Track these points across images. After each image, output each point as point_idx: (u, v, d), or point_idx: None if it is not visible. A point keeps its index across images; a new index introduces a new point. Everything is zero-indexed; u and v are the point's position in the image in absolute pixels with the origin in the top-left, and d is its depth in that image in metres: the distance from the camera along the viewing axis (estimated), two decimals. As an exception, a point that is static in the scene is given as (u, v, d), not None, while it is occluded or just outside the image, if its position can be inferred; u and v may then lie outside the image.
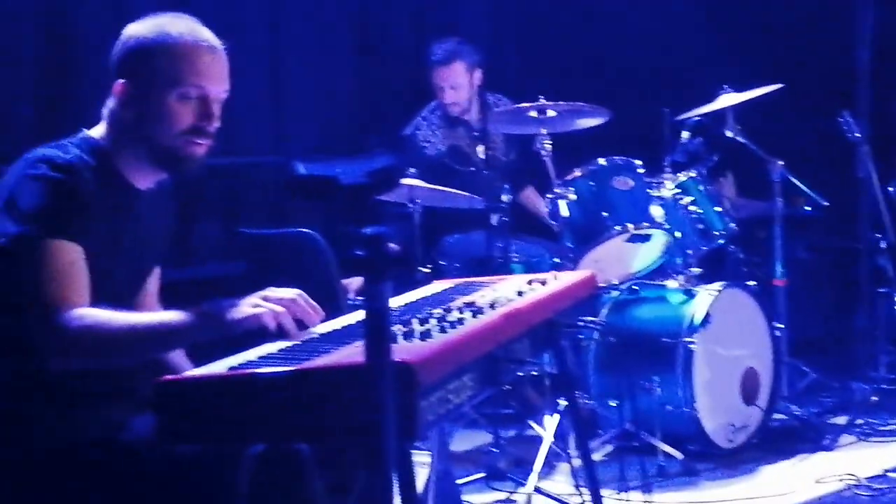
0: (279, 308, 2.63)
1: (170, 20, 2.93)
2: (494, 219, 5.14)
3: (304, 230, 4.97)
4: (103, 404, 2.81)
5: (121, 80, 2.88)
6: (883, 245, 5.73)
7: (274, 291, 2.69)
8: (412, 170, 5.48)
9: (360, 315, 2.97)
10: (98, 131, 2.95)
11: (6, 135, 5.41)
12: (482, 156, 5.22)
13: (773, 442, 5.25)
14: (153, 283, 3.21)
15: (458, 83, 5.97)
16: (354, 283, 5.43)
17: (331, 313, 2.99)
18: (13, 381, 2.77)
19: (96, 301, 2.77)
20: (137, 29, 2.93)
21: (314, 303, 2.73)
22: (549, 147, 5.21)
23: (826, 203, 5.90)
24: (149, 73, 2.88)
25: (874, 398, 5.47)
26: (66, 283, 2.69)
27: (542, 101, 5.23)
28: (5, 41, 5.45)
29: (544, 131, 5.21)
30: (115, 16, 5.70)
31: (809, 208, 6.14)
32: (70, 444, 2.75)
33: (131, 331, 2.66)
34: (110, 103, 2.93)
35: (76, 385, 2.76)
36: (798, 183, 5.78)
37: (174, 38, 2.90)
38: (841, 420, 5.41)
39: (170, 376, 2.42)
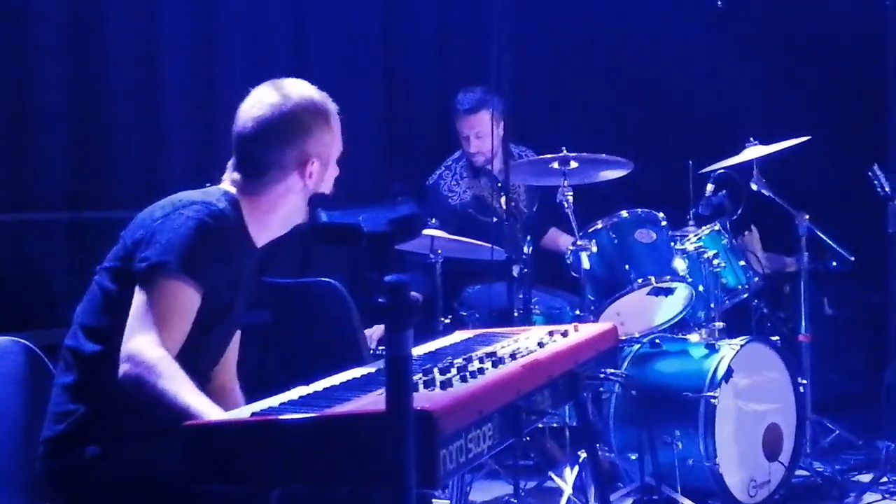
0: None
1: (296, 86, 3.15)
2: (516, 270, 5.13)
3: (327, 279, 4.97)
4: (146, 443, 2.85)
5: (313, 161, 3.09)
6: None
7: None
8: (434, 220, 5.49)
9: (380, 364, 2.98)
10: (231, 188, 3.09)
11: (39, 181, 5.46)
12: (504, 207, 5.22)
13: (796, 499, 5.21)
14: (236, 346, 3.31)
15: (484, 132, 5.92)
16: (376, 332, 5.42)
17: (352, 362, 3.01)
18: (66, 415, 2.87)
19: (199, 352, 2.94)
20: (296, 99, 3.10)
21: None
22: (571, 198, 5.19)
23: (853, 258, 5.86)
24: (327, 142, 3.13)
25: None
26: (172, 323, 2.80)
27: (565, 152, 5.22)
28: (36, 86, 5.50)
29: (566, 183, 5.20)
30: (144, 71, 5.78)
31: (836, 263, 6.10)
32: (111, 480, 2.83)
33: (176, 404, 2.69)
34: (278, 176, 3.07)
35: (122, 424, 2.84)
36: (825, 237, 5.74)
37: (327, 105, 3.15)
38: (865, 478, 5.35)
39: (196, 420, 2.48)
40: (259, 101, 3.11)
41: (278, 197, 3.10)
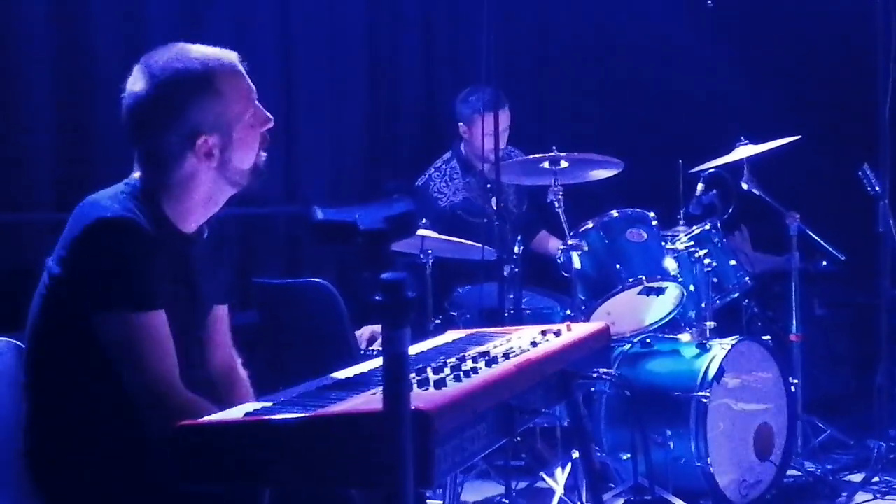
0: None
1: (165, 58, 2.85)
2: (506, 270, 5.11)
3: (317, 280, 4.95)
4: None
5: (204, 138, 2.83)
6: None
7: None
8: (424, 220, 5.47)
9: (372, 364, 2.97)
10: (140, 177, 2.91)
11: (23, 182, 5.43)
12: (494, 207, 5.20)
13: (787, 498, 5.20)
14: (224, 325, 3.19)
15: (506, 128, 5.85)
16: (366, 333, 5.40)
17: (343, 363, 2.99)
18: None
19: None
20: (162, 77, 2.82)
21: None
22: (561, 198, 5.17)
23: (843, 258, 5.85)
24: (217, 112, 2.85)
25: (892, 456, 5.36)
26: (167, 356, 2.75)
27: (555, 151, 5.21)
28: (22, 84, 5.47)
29: (557, 182, 5.18)
30: (130, 52, 5.74)
31: (826, 263, 6.09)
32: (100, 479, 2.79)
33: None
34: (175, 158, 2.86)
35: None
36: (815, 237, 5.74)
37: (208, 69, 2.86)
38: (857, 478, 5.34)
39: (188, 421, 2.45)
40: (129, 89, 2.86)
41: (185, 182, 2.87)
